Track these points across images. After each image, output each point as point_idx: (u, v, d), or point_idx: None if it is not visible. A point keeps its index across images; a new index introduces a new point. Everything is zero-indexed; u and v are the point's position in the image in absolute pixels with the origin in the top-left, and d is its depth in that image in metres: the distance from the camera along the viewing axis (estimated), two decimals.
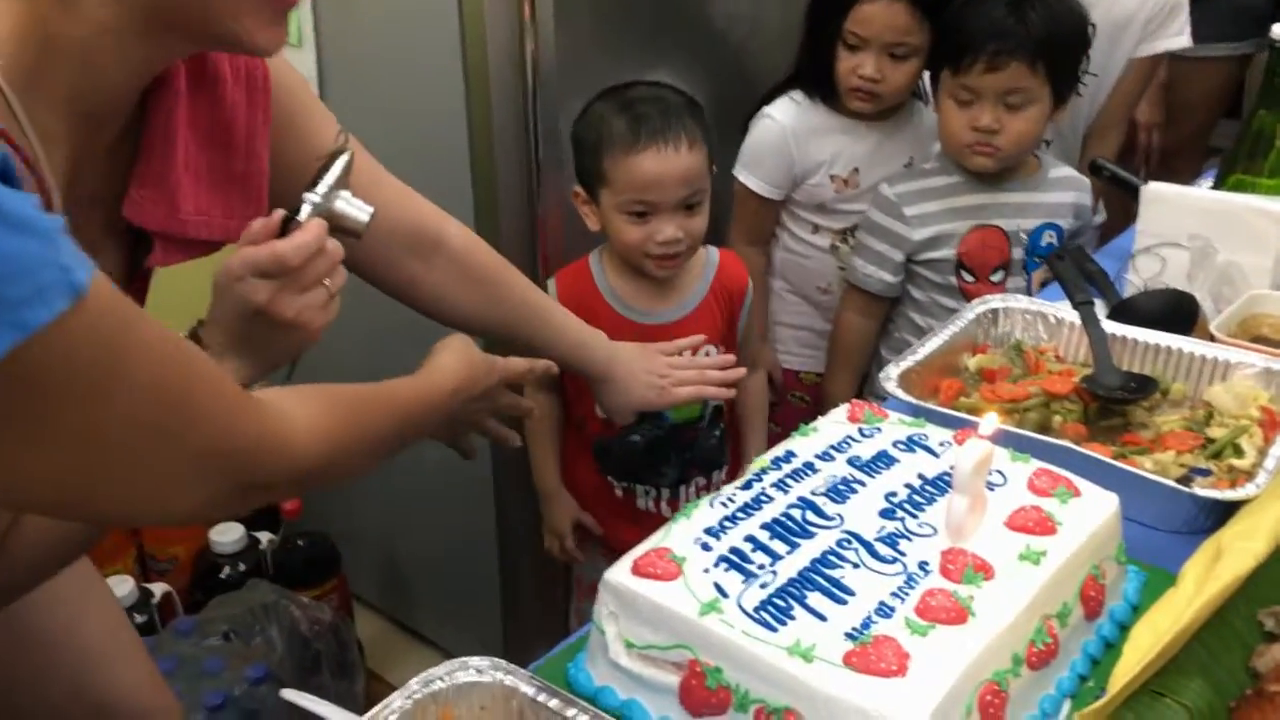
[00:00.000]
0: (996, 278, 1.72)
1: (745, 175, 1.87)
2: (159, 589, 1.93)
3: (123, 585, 1.84)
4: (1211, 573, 0.84)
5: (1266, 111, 1.44)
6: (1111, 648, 0.92)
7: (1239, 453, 1.10)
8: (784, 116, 1.84)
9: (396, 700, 0.79)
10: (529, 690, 0.80)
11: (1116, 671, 0.80)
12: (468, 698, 0.80)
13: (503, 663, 0.81)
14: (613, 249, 1.58)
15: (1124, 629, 0.93)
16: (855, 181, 1.84)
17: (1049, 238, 1.73)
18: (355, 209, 0.99)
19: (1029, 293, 1.67)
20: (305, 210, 0.95)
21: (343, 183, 0.99)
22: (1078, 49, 1.69)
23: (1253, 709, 0.74)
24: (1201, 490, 1.03)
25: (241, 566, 1.99)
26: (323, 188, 0.97)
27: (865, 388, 1.89)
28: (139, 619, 1.85)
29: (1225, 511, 1.00)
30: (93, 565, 1.27)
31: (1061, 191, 1.75)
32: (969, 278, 1.72)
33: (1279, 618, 0.88)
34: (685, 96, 1.55)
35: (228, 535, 1.98)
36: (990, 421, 0.89)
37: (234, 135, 0.98)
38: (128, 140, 0.91)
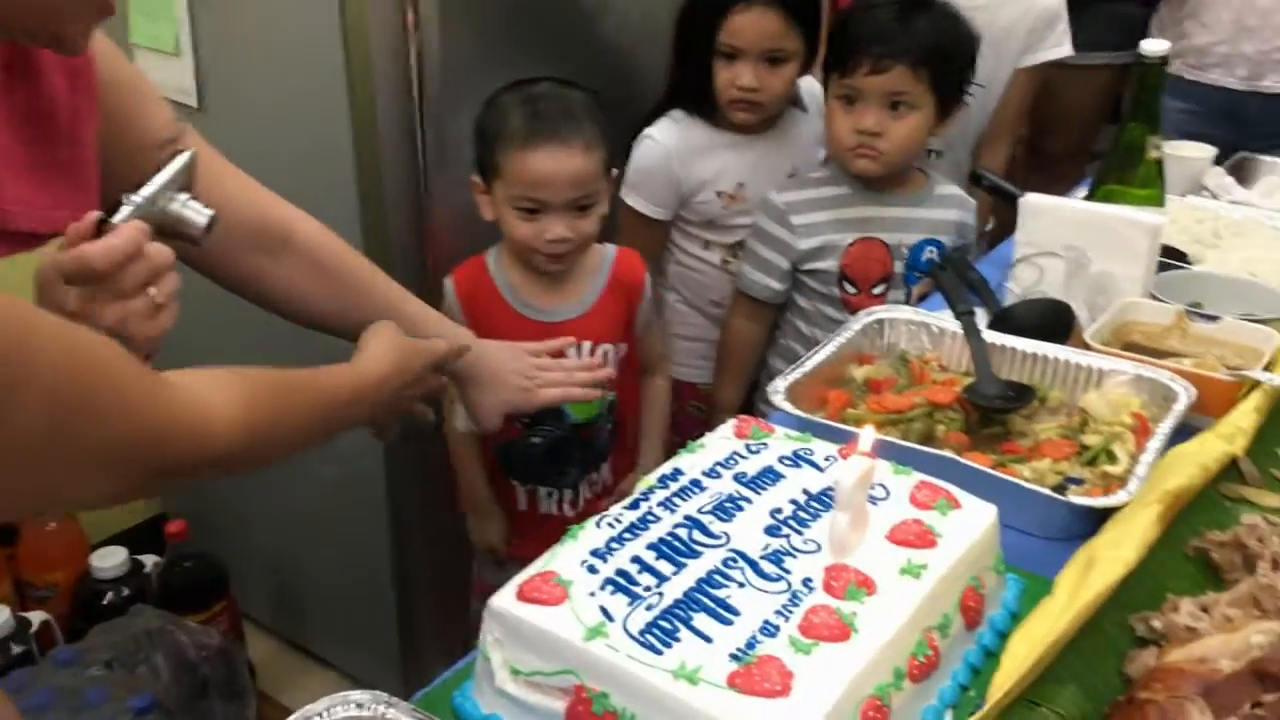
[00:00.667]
0: (878, 290, 1.76)
1: (632, 198, 1.86)
2: (36, 617, 1.86)
3: None
4: (1084, 582, 0.86)
5: (1136, 124, 1.48)
6: (992, 656, 0.93)
7: (1112, 459, 1.13)
8: (665, 137, 1.84)
9: None
10: None
11: (994, 682, 0.82)
12: None
13: (384, 695, 0.80)
14: (507, 243, 1.58)
15: (1003, 637, 0.95)
16: (742, 196, 1.85)
17: (930, 254, 1.76)
18: (192, 212, 0.94)
19: (908, 305, 1.70)
20: (123, 212, 0.89)
21: (180, 184, 0.94)
22: (962, 60, 1.72)
23: (1124, 716, 0.76)
24: (1075, 498, 1.05)
25: (125, 591, 1.92)
26: (148, 189, 0.92)
27: (755, 394, 1.91)
28: (16, 650, 1.78)
29: (1100, 517, 1.03)
30: None
31: (946, 209, 1.79)
32: (851, 289, 1.75)
33: (1149, 623, 0.90)
34: (590, 96, 1.55)
35: (109, 560, 1.92)
36: (868, 436, 0.90)
37: (56, 122, 0.94)
38: None
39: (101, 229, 0.87)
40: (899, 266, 1.75)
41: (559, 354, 1.46)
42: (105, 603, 1.91)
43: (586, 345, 1.59)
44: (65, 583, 1.98)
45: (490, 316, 1.54)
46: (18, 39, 0.87)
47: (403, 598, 1.96)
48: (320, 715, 0.78)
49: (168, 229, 0.92)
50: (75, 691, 1.71)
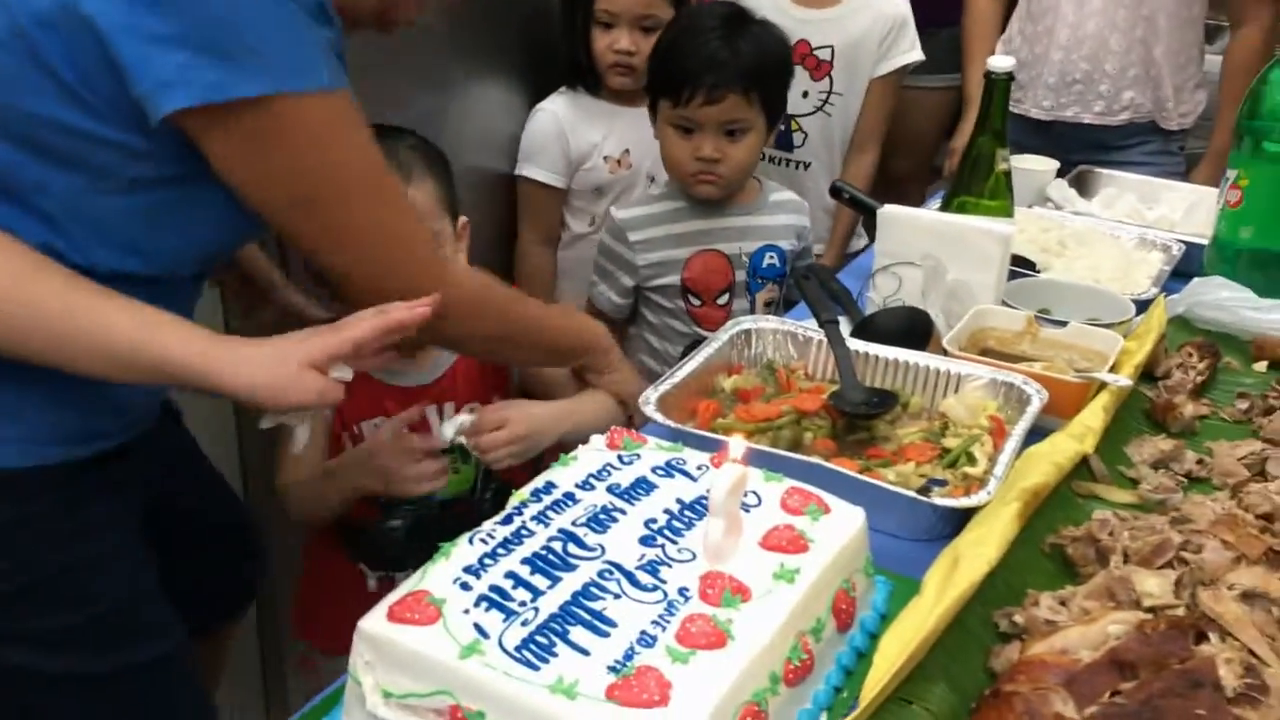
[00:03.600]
0: (722, 300, 1.80)
1: (528, 168, 1.96)
2: None
3: None
4: (950, 580, 0.88)
5: (985, 138, 1.54)
6: (863, 657, 0.95)
7: (972, 461, 1.17)
8: (554, 106, 1.97)
9: None
10: None
11: (867, 682, 0.83)
12: None
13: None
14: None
15: (874, 638, 0.97)
16: (628, 162, 1.95)
17: (770, 259, 1.81)
18: None
19: (752, 313, 1.73)
20: None
21: None
22: (784, 76, 1.79)
23: (990, 709, 0.78)
24: (939, 500, 1.08)
25: None
26: None
27: None
28: None
29: (962, 518, 1.06)
30: None
31: (782, 214, 1.84)
32: (696, 301, 1.79)
33: (1011, 618, 0.93)
34: (424, 142, 1.48)
35: None
36: (738, 444, 0.91)
37: None
38: None
39: None
40: (740, 275, 1.79)
41: (421, 425, 1.38)
42: None
43: (449, 406, 1.49)
44: None
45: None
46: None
47: (264, 626, 1.89)
48: None
49: None
50: None
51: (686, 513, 0.96)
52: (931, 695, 0.84)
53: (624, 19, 1.88)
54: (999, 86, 1.52)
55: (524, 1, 2.02)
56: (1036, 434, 1.19)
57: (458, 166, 1.51)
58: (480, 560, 0.88)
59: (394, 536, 1.42)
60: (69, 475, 1.10)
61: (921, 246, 1.48)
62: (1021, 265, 1.59)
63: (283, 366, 1.04)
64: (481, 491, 1.51)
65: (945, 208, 1.57)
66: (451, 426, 1.32)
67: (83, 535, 1.13)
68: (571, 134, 1.95)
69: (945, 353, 1.33)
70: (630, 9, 1.88)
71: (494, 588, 0.85)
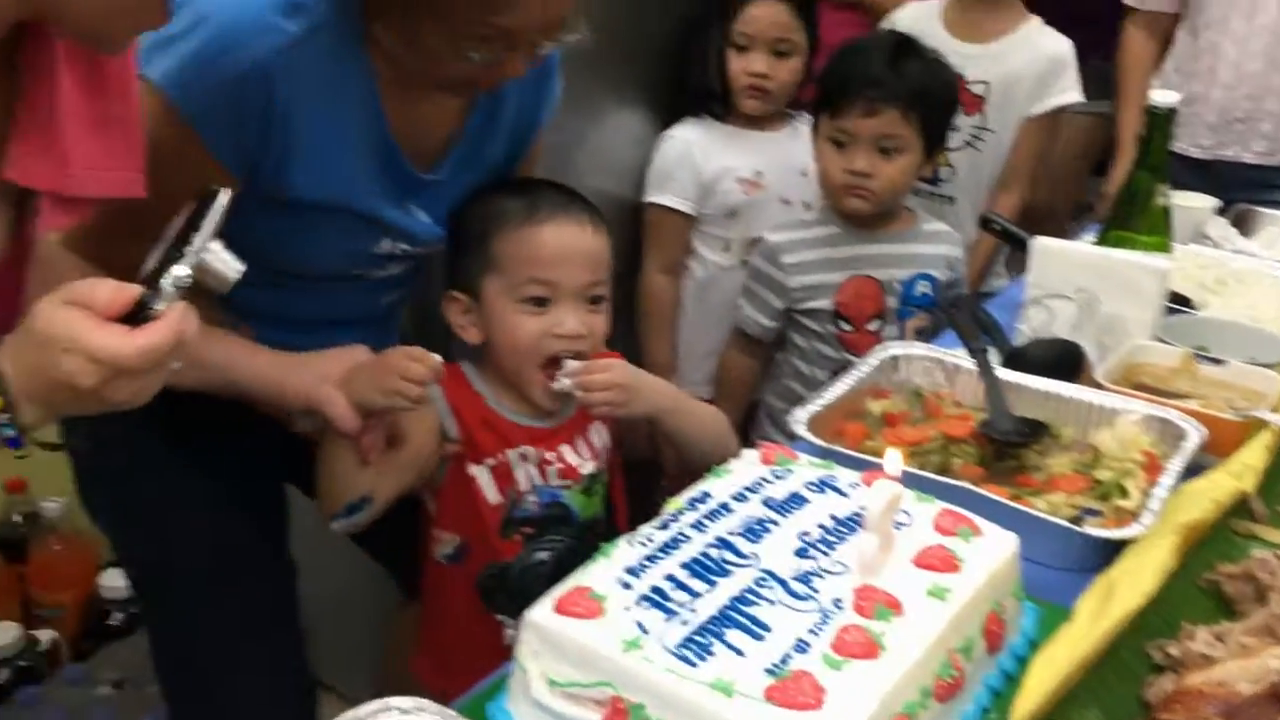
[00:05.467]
0: (873, 327, 1.81)
1: (657, 194, 1.99)
2: (45, 635, 1.87)
3: (7, 632, 1.78)
4: (1104, 609, 0.89)
5: (1144, 172, 1.53)
6: (1011, 680, 0.96)
7: (1124, 494, 1.16)
8: (685, 133, 2.00)
9: None
10: None
11: (1017, 703, 0.84)
12: None
13: (427, 703, 0.82)
14: (492, 360, 1.35)
15: (1022, 662, 0.97)
16: (760, 184, 1.97)
17: (923, 288, 1.82)
18: (223, 265, 0.87)
19: (901, 340, 1.74)
20: (165, 294, 0.82)
21: (216, 231, 0.86)
22: (948, 105, 1.81)
23: None
24: (1092, 530, 1.08)
25: (132, 611, 1.93)
26: (196, 248, 0.84)
27: (750, 427, 1.95)
28: (24, 664, 1.78)
29: (1114, 549, 1.06)
30: None
31: (934, 244, 1.85)
32: (846, 327, 1.81)
33: (1166, 650, 0.93)
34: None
35: (117, 580, 1.93)
36: (894, 458, 0.93)
37: (108, 76, 0.93)
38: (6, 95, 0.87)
39: (138, 311, 0.81)
40: (892, 302, 1.80)
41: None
42: (112, 623, 1.91)
43: (580, 441, 1.40)
44: (73, 602, 1.99)
45: (476, 415, 1.35)
46: (65, 35, 0.87)
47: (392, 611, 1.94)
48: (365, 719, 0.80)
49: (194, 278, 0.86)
50: (84, 710, 1.72)
51: (839, 528, 0.98)
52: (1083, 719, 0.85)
53: (759, 42, 1.93)
54: (1161, 121, 1.51)
55: (654, 31, 2.06)
56: (1191, 472, 1.18)
57: (586, 193, 1.44)
58: (640, 562, 0.92)
59: (541, 572, 1.32)
60: None
61: (1075, 280, 1.48)
62: (1178, 302, 1.57)
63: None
64: (604, 513, 1.44)
65: (1101, 242, 1.56)
66: (564, 380, 1.30)
67: None
68: (703, 159, 1.98)
69: (1098, 386, 1.33)
70: (765, 32, 1.92)
71: (654, 588, 0.89)
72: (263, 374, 1.21)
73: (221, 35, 1.08)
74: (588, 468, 1.39)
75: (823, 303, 1.80)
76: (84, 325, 0.79)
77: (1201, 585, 1.03)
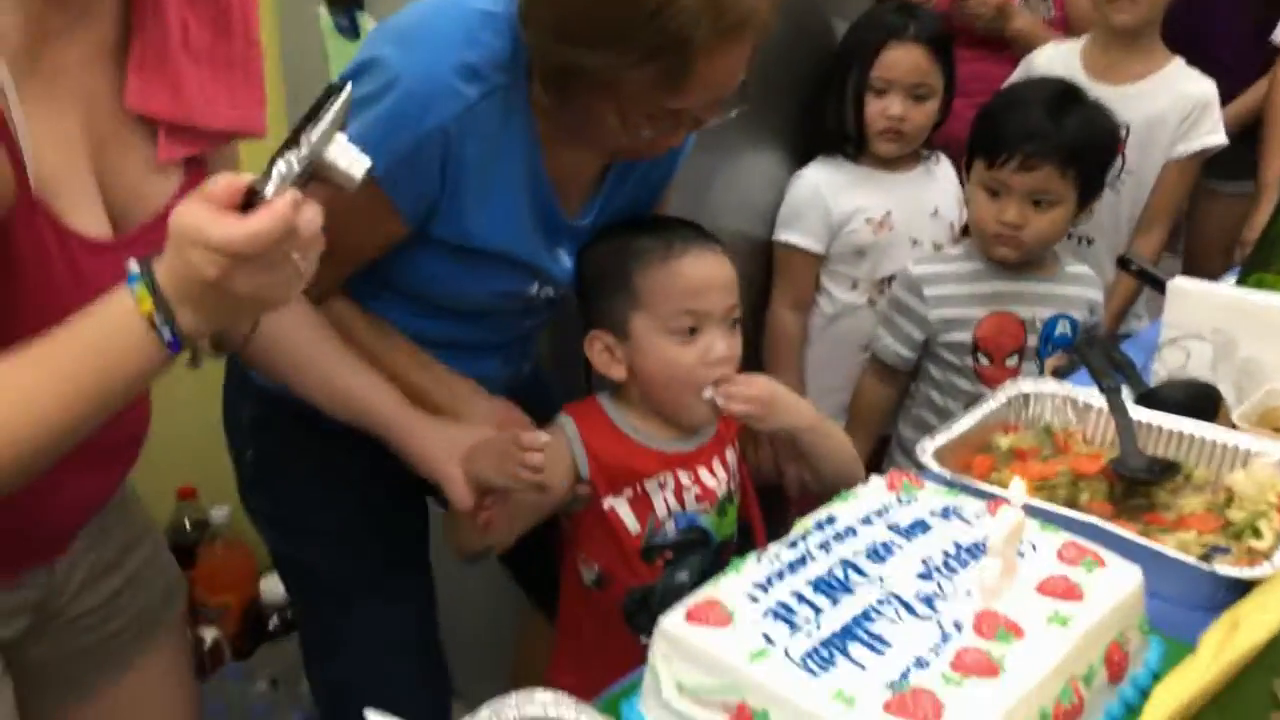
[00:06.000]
0: (1011, 363, 1.81)
1: (787, 234, 2.01)
2: (209, 634, 2.00)
3: None
4: (1230, 641, 0.90)
5: None
6: (1132, 710, 0.97)
7: (1258, 534, 1.16)
8: (816, 174, 2.02)
9: None
10: None
11: None
12: None
13: (566, 698, 0.88)
14: (638, 391, 1.39)
15: (1145, 694, 0.99)
16: (889, 224, 1.98)
17: (1063, 328, 1.82)
18: (349, 161, 0.83)
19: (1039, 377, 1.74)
20: (274, 179, 0.79)
21: (337, 124, 0.82)
22: (1107, 156, 1.80)
23: None
24: (1221, 568, 1.08)
25: (288, 615, 2.05)
26: (312, 140, 0.80)
27: (882, 458, 1.97)
28: None
29: (1244, 589, 1.06)
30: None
31: (1077, 286, 1.85)
32: (984, 361, 1.81)
33: None
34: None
35: (278, 586, 2.05)
36: (1018, 487, 0.96)
37: (230, 17, 0.97)
38: (122, 31, 0.92)
39: (251, 199, 0.79)
40: (1033, 340, 1.81)
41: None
42: (271, 626, 2.04)
43: (715, 462, 1.44)
44: (236, 605, 2.12)
45: (612, 450, 1.38)
46: None
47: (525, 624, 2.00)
48: (511, 708, 0.87)
49: (318, 174, 0.82)
50: (242, 705, 1.84)
51: (963, 554, 1.01)
52: None
53: (898, 86, 1.95)
54: None
55: (791, 74, 2.09)
56: None
57: (718, 230, 1.47)
58: (768, 578, 0.97)
59: (683, 593, 1.25)
60: None
61: (1213, 321, 1.47)
62: None
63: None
64: (740, 538, 1.48)
65: (1241, 283, 1.55)
66: (709, 389, 1.34)
67: None
68: (832, 200, 1.99)
69: (1233, 428, 1.32)
70: (905, 77, 1.95)
71: (781, 603, 0.94)
72: (396, 425, 1.26)
73: (411, 100, 1.17)
74: (723, 490, 1.44)
75: (962, 336, 1.81)
76: (202, 215, 0.79)
77: None
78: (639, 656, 1.40)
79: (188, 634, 1.31)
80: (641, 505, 1.40)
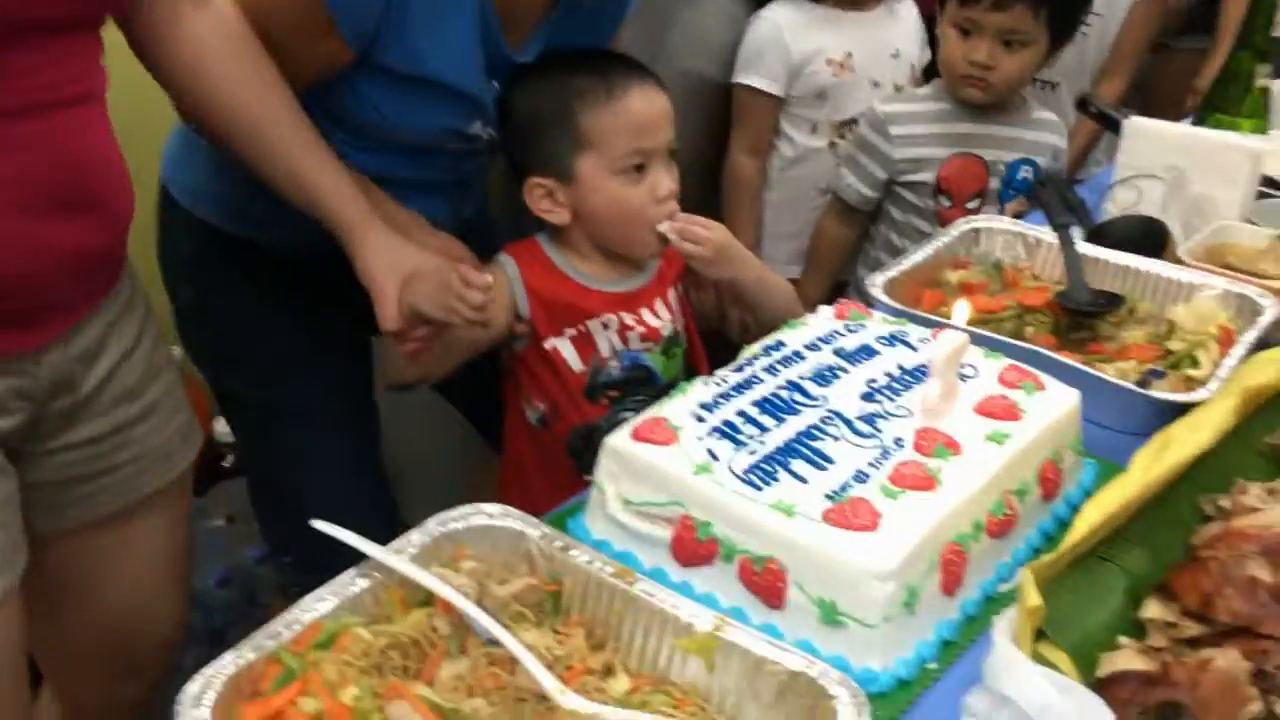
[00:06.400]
0: (972, 205, 1.81)
1: (747, 76, 1.97)
2: None
3: None
4: (1159, 458, 0.92)
5: (1245, 53, 1.50)
6: (1064, 525, 1.00)
7: (1195, 363, 1.18)
8: (776, 13, 1.97)
9: (415, 535, 0.87)
10: (535, 534, 0.88)
11: (1066, 539, 0.88)
12: (479, 540, 0.88)
13: (513, 510, 0.89)
14: (587, 234, 1.37)
15: (1076, 511, 1.02)
16: (850, 66, 1.95)
17: (1025, 173, 1.81)
18: None
19: None
20: None
21: None
22: (1082, 2, 1.76)
23: (1186, 572, 0.83)
24: (1157, 392, 1.11)
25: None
26: None
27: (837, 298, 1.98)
28: None
29: (1178, 413, 1.08)
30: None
31: (1043, 131, 1.84)
32: (946, 203, 1.81)
33: (1217, 503, 0.96)
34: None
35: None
36: (961, 309, 0.97)
37: None
38: None
39: None
40: (995, 183, 1.80)
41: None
42: (226, 464, 2.05)
43: (658, 303, 1.42)
44: None
45: (554, 290, 1.37)
46: None
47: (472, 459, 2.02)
48: (456, 521, 0.88)
49: None
50: (197, 540, 1.85)
51: (906, 377, 1.03)
52: (1128, 557, 0.89)
53: None
54: (1265, 2, 1.48)
55: None
56: (1263, 345, 1.18)
57: (673, 71, 1.46)
58: (714, 399, 0.98)
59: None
60: None
61: (1166, 158, 1.47)
62: (1272, 187, 1.56)
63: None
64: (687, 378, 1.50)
65: (1198, 123, 1.55)
66: (664, 223, 1.32)
67: None
68: (793, 40, 1.96)
69: (1179, 263, 1.34)
70: None
71: (726, 422, 0.95)
72: (346, 218, 1.20)
73: None
74: (668, 329, 1.45)
75: (925, 176, 1.80)
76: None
77: (1261, 449, 1.06)
78: (582, 491, 1.47)
79: (191, 486, 1.28)
80: (584, 344, 1.39)
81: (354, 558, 0.84)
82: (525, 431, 1.45)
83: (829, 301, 1.91)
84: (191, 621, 1.52)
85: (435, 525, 0.88)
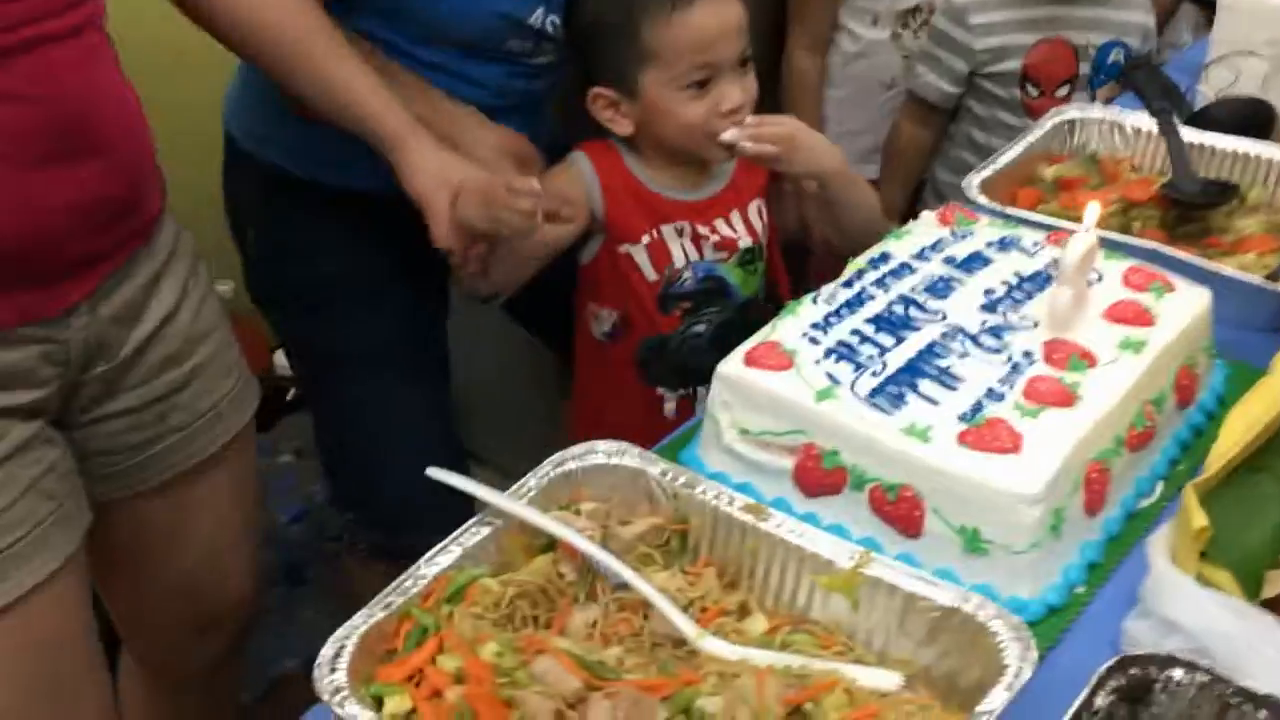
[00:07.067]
0: (1062, 93, 1.72)
1: None
2: None
3: None
4: None
5: None
6: (1200, 434, 0.96)
7: None
8: None
9: (531, 480, 0.83)
10: (655, 471, 0.84)
11: (1215, 450, 0.84)
12: (597, 480, 0.84)
13: (629, 446, 0.85)
14: (653, 143, 1.32)
15: (1211, 418, 0.97)
16: None
17: (1116, 56, 1.71)
18: None
19: None
20: None
21: None
22: None
23: None
24: None
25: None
26: None
27: (917, 203, 1.91)
28: None
29: None
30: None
31: (1130, 11, 1.73)
32: (1034, 92, 1.72)
33: None
34: None
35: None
36: (1092, 210, 0.91)
37: None
38: None
39: None
40: (1085, 68, 1.71)
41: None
42: (289, 398, 2.02)
43: (735, 214, 1.37)
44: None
45: (631, 191, 1.32)
46: None
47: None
48: (572, 460, 0.84)
49: None
50: (267, 476, 1.84)
51: (1025, 284, 0.97)
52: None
53: None
54: None
55: None
56: None
57: None
58: (825, 318, 0.93)
59: (698, 344, 1.34)
60: None
61: (1266, 34, 1.38)
62: None
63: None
64: (766, 297, 1.42)
65: None
66: (733, 130, 1.25)
67: None
68: None
69: None
70: None
71: (842, 342, 0.90)
72: (388, 130, 1.14)
73: None
74: (745, 241, 1.39)
75: (1011, 65, 1.70)
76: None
77: None
78: (659, 413, 1.41)
79: (254, 440, 1.24)
80: (658, 252, 1.34)
81: (426, 519, 0.80)
82: (594, 350, 1.41)
83: (911, 206, 1.87)
84: (268, 560, 1.52)
85: (550, 467, 0.84)
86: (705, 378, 1.29)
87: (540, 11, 1.28)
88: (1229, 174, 1.26)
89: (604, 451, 0.85)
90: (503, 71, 1.32)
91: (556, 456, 0.85)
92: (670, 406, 1.42)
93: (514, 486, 0.82)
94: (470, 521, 0.79)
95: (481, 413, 2.26)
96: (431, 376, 1.48)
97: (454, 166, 1.15)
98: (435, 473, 0.82)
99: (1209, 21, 1.86)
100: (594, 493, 0.84)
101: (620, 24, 1.25)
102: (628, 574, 0.78)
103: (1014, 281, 0.97)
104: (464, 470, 1.50)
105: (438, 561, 0.76)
